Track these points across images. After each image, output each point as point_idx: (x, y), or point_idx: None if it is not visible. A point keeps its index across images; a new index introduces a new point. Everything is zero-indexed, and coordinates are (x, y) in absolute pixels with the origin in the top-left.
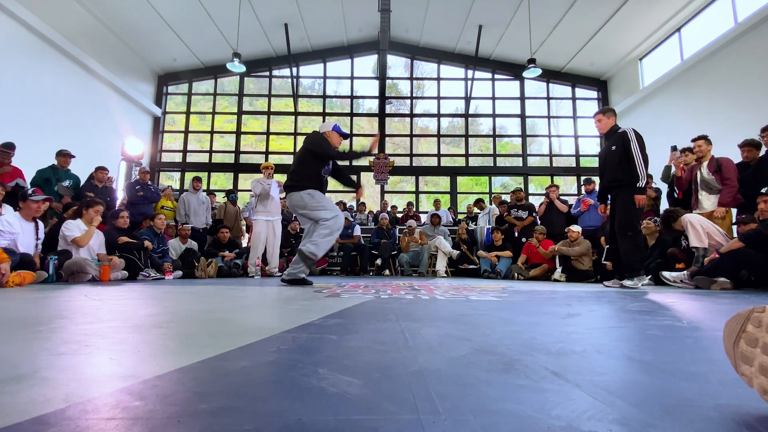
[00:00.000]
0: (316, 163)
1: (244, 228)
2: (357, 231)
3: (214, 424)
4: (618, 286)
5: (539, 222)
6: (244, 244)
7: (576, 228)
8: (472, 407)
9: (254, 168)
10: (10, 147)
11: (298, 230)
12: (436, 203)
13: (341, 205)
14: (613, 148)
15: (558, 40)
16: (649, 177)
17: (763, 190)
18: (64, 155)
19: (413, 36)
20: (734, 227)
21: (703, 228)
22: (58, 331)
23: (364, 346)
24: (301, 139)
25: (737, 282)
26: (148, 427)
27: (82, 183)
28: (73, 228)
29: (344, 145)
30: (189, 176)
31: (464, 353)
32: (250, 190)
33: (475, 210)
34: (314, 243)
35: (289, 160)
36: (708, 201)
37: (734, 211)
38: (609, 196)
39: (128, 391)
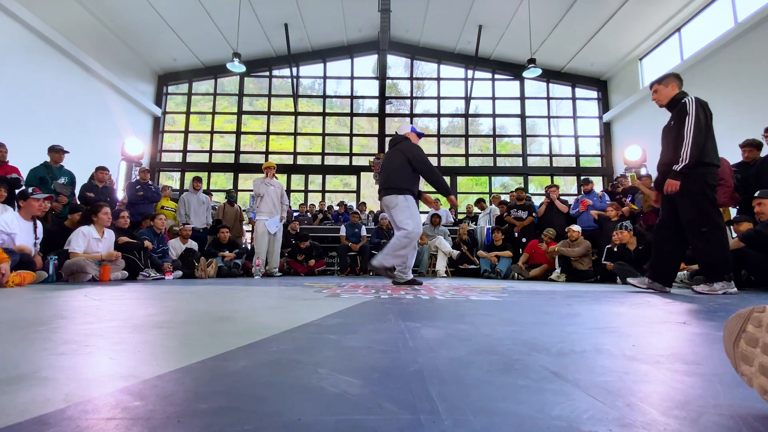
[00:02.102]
0: (413, 172)
1: (245, 228)
2: (363, 231)
3: (214, 424)
4: (645, 285)
5: (538, 221)
6: (244, 244)
7: (576, 228)
8: (472, 407)
9: (254, 168)
10: (1, 145)
11: (298, 230)
12: (436, 203)
13: (342, 206)
14: (672, 123)
15: (558, 40)
16: (711, 165)
17: (756, 194)
18: (57, 151)
19: (413, 36)
20: (731, 227)
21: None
22: (58, 331)
23: (364, 346)
24: (301, 139)
25: (737, 282)
26: (148, 427)
27: (82, 182)
28: (79, 240)
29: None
30: (189, 176)
31: (464, 353)
32: (250, 190)
33: (476, 210)
34: (385, 256)
35: (289, 160)
36: None
37: (734, 210)
38: (628, 198)
39: (128, 391)
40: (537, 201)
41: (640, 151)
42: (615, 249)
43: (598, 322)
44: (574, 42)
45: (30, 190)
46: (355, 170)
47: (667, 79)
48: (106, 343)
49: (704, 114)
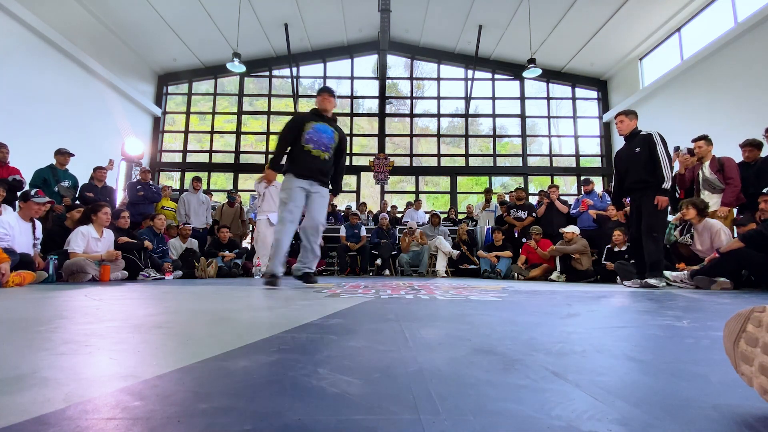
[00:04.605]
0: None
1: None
2: (363, 231)
3: (214, 424)
4: (638, 285)
5: (538, 222)
6: (244, 244)
7: (569, 229)
8: (472, 407)
9: (254, 168)
10: (3, 145)
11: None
12: (417, 204)
13: (329, 206)
14: (637, 150)
15: (558, 40)
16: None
17: (765, 190)
18: (63, 154)
19: (413, 36)
20: (734, 227)
21: (726, 234)
22: (58, 331)
23: (364, 346)
24: None
25: (737, 282)
26: (148, 427)
27: (82, 183)
28: (78, 240)
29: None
30: (189, 176)
31: (464, 353)
32: (250, 190)
33: (484, 204)
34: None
35: None
36: (710, 200)
37: (735, 210)
38: (628, 199)
39: (128, 391)
40: (535, 201)
41: None
42: (615, 248)
43: (598, 322)
44: (574, 42)
45: (33, 192)
46: (355, 170)
47: (631, 114)
48: (106, 343)
49: (663, 144)
